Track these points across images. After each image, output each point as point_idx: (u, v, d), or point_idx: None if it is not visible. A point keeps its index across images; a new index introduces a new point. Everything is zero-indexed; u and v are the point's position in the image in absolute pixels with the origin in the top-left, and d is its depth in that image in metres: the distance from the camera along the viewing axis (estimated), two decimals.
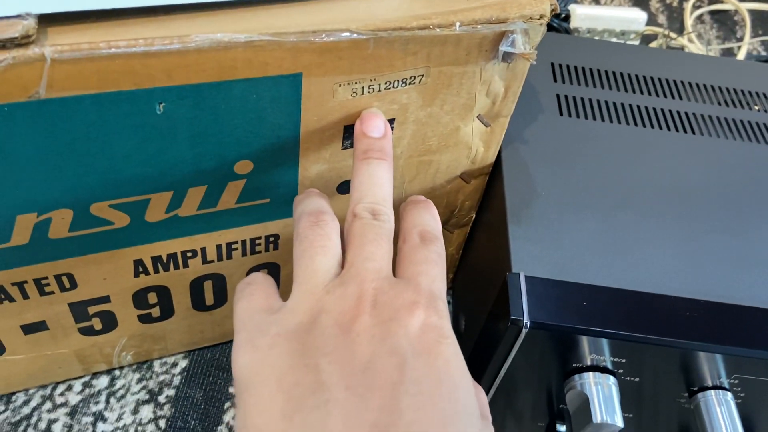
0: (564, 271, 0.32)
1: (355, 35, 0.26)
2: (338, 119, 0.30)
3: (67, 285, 0.32)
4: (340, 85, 0.28)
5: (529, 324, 0.30)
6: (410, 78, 0.29)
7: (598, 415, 0.31)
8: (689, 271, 0.33)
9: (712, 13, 0.80)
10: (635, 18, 0.67)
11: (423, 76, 0.30)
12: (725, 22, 0.79)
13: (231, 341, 0.43)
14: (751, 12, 0.79)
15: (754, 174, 0.40)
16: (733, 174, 0.39)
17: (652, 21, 0.76)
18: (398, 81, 0.29)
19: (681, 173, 0.39)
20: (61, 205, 0.28)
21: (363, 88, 0.29)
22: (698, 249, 0.34)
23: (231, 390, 0.41)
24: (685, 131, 0.42)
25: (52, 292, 0.32)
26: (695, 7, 0.79)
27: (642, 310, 0.31)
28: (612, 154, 0.39)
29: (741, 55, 0.72)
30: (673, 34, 0.71)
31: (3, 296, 0.31)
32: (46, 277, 0.31)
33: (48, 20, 0.23)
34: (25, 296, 0.32)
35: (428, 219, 0.29)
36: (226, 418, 0.40)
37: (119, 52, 0.23)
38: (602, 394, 0.31)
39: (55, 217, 0.28)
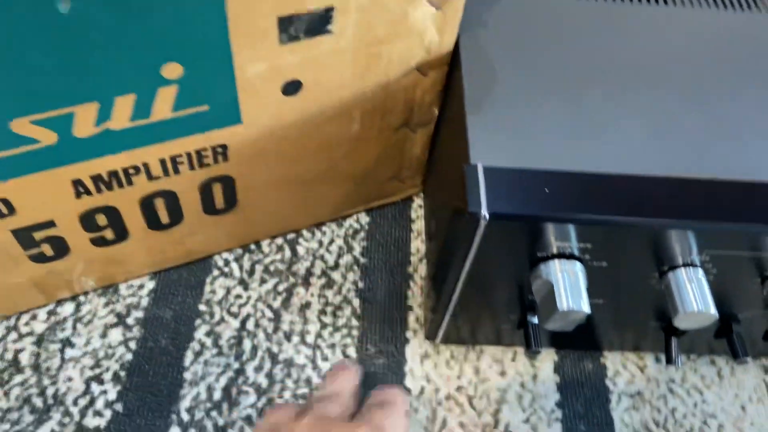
0: (526, 158, 0.30)
1: None
2: (269, 7, 0.27)
3: (5, 211, 0.30)
4: None
5: (487, 216, 0.28)
6: None
7: (563, 303, 0.30)
8: (658, 149, 0.31)
9: None
10: None
11: None
12: None
13: (197, 260, 0.42)
14: None
15: (730, 44, 0.37)
16: (708, 45, 0.37)
17: None
18: None
19: (654, 47, 0.36)
20: None
21: None
22: (667, 125, 0.32)
23: (201, 307, 0.40)
24: (656, 2, 0.39)
25: None
26: None
27: (606, 192, 0.29)
28: (581, 32, 0.37)
29: None
30: None
31: None
32: None
33: None
34: None
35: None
36: (198, 334, 0.39)
37: None
38: (568, 281, 0.30)
39: None
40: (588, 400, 0.39)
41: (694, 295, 0.31)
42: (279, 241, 0.43)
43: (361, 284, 0.42)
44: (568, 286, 0.30)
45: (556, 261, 0.31)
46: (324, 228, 0.44)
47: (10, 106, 0.26)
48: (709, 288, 0.31)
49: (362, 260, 0.43)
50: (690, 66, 0.35)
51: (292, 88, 0.32)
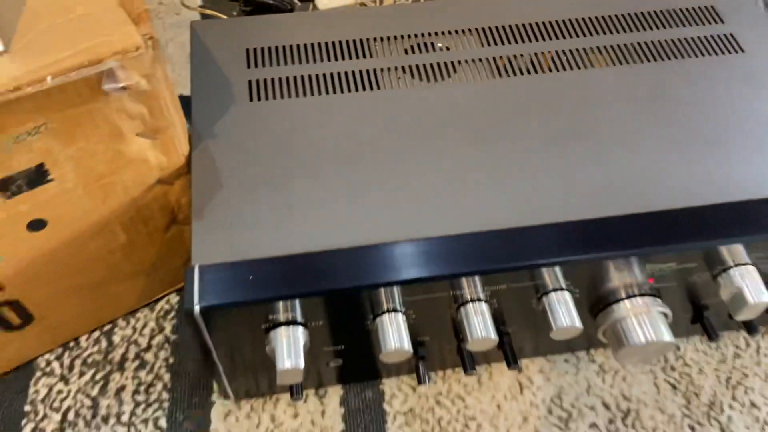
0: (239, 251, 0.36)
1: None
2: None
3: None
4: None
5: (199, 309, 0.34)
6: (33, 129, 0.32)
7: (284, 363, 0.35)
8: (353, 222, 0.38)
9: None
10: None
11: (46, 123, 0.32)
12: None
13: (20, 366, 0.46)
14: None
15: (427, 114, 0.44)
16: (411, 119, 0.44)
17: None
18: (22, 135, 0.32)
19: (364, 128, 0.43)
20: None
21: None
22: (364, 199, 0.39)
23: (26, 408, 0.45)
24: (371, 88, 0.46)
25: None
26: None
27: (302, 269, 0.35)
28: (300, 127, 0.43)
29: None
30: None
31: None
32: None
33: None
34: None
35: None
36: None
37: None
38: (287, 344, 0.36)
39: None
40: (367, 424, 0.45)
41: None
42: (96, 333, 0.48)
43: (171, 359, 0.47)
44: (287, 348, 0.36)
45: (281, 328, 0.37)
46: (138, 313, 0.49)
47: None
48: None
49: (172, 337, 0.48)
50: (391, 142, 0.42)
51: (36, 225, 0.37)
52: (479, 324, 0.38)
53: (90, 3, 0.33)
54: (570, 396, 0.46)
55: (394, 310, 0.38)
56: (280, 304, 0.35)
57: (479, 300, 0.38)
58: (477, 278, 0.36)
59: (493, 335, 0.38)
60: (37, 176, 0.34)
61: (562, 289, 0.39)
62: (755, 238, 0.38)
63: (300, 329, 0.37)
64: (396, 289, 0.36)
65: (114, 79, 0.32)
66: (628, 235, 0.37)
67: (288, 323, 0.37)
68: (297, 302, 0.35)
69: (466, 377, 0.47)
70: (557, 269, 0.37)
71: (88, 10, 0.32)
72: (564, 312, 0.38)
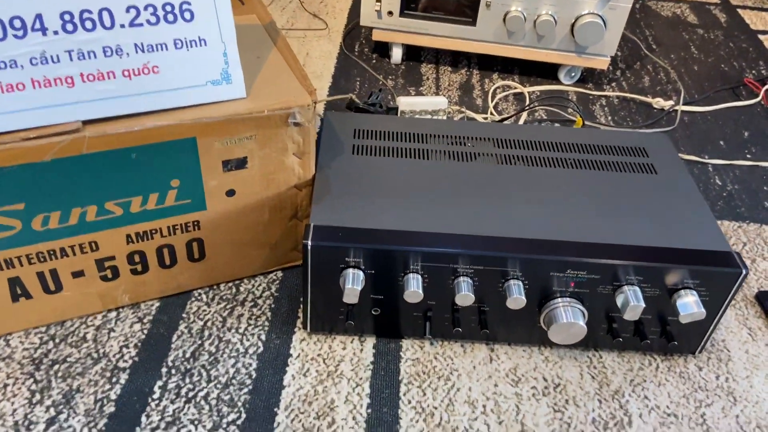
0: (334, 222, 0.61)
1: (216, 119, 0.56)
2: (217, 157, 0.59)
3: (94, 248, 0.60)
4: (216, 141, 0.58)
5: (309, 245, 0.58)
6: (247, 137, 0.59)
7: (350, 284, 0.59)
8: (398, 218, 0.62)
9: (514, 95, 1.12)
10: (439, 102, 0.99)
11: (254, 135, 0.59)
12: (521, 100, 1.11)
13: (184, 292, 0.71)
14: (531, 92, 1.12)
15: (454, 177, 0.69)
16: (444, 178, 0.69)
17: (471, 106, 1.08)
18: (242, 138, 0.59)
19: (415, 177, 0.68)
20: (89, 203, 0.57)
21: (227, 141, 0.59)
22: (408, 209, 0.63)
23: (183, 315, 0.68)
24: (424, 159, 0.72)
25: (86, 252, 0.60)
26: (499, 92, 1.11)
27: (367, 235, 0.60)
28: (378, 171, 0.69)
29: (521, 121, 1.04)
30: (467, 111, 1.03)
31: (63, 254, 0.59)
32: (83, 243, 0.59)
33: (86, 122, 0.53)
34: (73, 254, 0.60)
35: None
36: (181, 327, 0.67)
37: (119, 132, 0.53)
38: (353, 276, 0.59)
39: (89, 210, 0.57)
40: (388, 362, 0.66)
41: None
42: (229, 284, 0.73)
43: (273, 304, 0.71)
44: (352, 278, 0.59)
45: (349, 268, 0.60)
46: (256, 278, 0.74)
47: (107, 196, 0.57)
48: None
49: (275, 294, 0.72)
50: (451, 190, 0.67)
51: (230, 193, 0.63)
52: (464, 287, 0.60)
53: (287, 80, 0.62)
54: (522, 369, 0.67)
55: (416, 272, 0.61)
56: (351, 252, 0.59)
57: (465, 275, 0.61)
58: (465, 257, 0.60)
59: (472, 297, 0.60)
60: (241, 163, 0.61)
61: (517, 278, 0.61)
62: (637, 264, 0.60)
63: (360, 272, 0.60)
64: (416, 256, 0.60)
65: (293, 118, 0.60)
66: (560, 249, 0.60)
67: (354, 267, 0.60)
68: (360, 252, 0.59)
69: (455, 347, 0.68)
70: (517, 263, 0.60)
71: (287, 85, 0.61)
72: (516, 291, 0.61)
